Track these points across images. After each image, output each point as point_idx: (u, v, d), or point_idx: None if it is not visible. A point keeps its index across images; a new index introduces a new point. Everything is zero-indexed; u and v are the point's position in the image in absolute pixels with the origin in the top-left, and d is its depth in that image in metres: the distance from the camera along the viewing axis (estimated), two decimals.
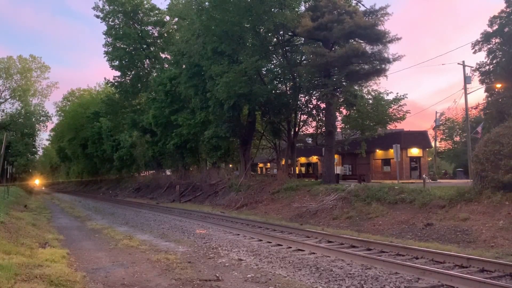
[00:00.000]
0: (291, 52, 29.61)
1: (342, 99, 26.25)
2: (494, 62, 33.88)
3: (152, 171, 56.71)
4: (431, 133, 47.01)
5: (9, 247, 9.47)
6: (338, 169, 32.78)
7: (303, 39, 27.40)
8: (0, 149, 21.36)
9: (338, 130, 29.79)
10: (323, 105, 27.87)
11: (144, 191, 47.76)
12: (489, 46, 33.70)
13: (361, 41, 23.61)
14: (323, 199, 19.86)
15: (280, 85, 30.68)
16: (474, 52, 34.48)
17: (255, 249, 11.28)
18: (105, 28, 48.46)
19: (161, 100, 38.62)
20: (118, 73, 47.69)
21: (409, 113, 28.45)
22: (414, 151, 37.30)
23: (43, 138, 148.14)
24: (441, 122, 54.00)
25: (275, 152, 34.88)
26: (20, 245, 10.41)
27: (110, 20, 46.39)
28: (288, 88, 30.01)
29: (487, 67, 34.43)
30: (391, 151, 27.51)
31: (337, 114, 28.64)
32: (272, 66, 30.97)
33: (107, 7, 45.77)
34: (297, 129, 30.29)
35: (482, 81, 34.73)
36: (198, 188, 35.78)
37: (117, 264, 9.50)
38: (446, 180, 32.83)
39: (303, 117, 31.10)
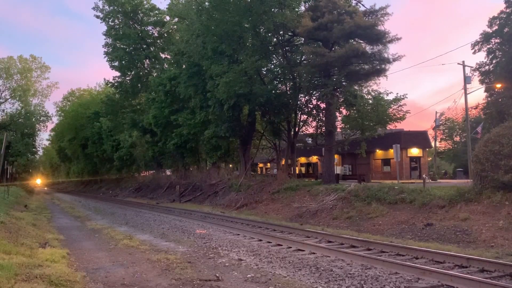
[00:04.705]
0: (291, 52, 29.61)
1: (342, 99, 26.26)
2: (494, 62, 33.84)
3: (152, 171, 56.70)
4: (431, 133, 47.06)
5: (9, 247, 9.47)
6: (338, 169, 32.77)
7: (303, 39, 27.39)
8: (0, 149, 21.37)
9: (338, 130, 29.78)
10: (323, 105, 27.88)
11: (144, 191, 47.74)
12: (488, 46, 33.66)
13: (361, 41, 23.61)
14: (323, 199, 19.86)
15: (280, 85, 30.68)
16: (474, 52, 34.47)
17: (255, 249, 11.28)
18: (105, 28, 48.53)
19: (161, 100, 38.64)
20: (118, 73, 47.71)
21: (409, 113, 28.43)
22: (414, 151, 37.29)
23: (43, 138, 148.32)
24: (441, 122, 54.00)
25: (275, 152, 34.87)
26: (20, 245, 10.41)
27: (110, 20, 46.35)
28: (288, 88, 30.00)
29: (487, 67, 34.39)
30: (391, 151, 27.50)
31: (337, 114, 28.67)
32: (272, 66, 30.98)
33: (106, 7, 45.72)
34: (297, 129, 30.28)
35: (482, 81, 34.69)
36: (198, 188, 35.76)
37: (117, 264, 9.51)
38: (446, 180, 32.83)
39: (303, 117, 31.12)
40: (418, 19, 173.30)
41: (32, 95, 65.03)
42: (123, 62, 46.37)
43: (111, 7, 45.72)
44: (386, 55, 22.56)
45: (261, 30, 28.34)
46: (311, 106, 29.98)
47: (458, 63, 30.98)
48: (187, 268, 8.87)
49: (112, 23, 46.71)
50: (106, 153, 63.17)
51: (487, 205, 13.24)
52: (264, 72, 30.25)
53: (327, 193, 20.45)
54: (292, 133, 29.93)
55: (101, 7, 45.66)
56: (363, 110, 27.60)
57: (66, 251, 10.68)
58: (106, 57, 46.91)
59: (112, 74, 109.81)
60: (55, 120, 79.16)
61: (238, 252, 10.88)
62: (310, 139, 32.90)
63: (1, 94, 62.96)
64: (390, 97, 27.91)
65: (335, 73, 23.86)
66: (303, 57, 28.74)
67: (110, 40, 46.97)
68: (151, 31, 47.98)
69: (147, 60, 48.70)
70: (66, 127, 76.08)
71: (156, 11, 46.86)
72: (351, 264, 9.19)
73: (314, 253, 10.73)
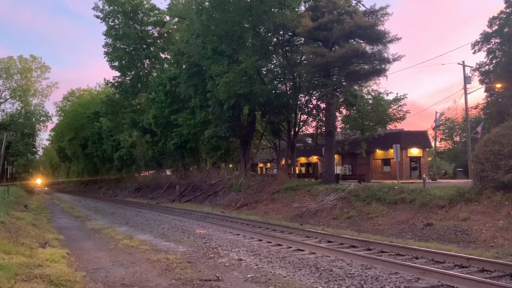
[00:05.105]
0: (291, 52, 29.61)
1: (342, 99, 26.24)
2: (494, 62, 33.82)
3: (152, 171, 56.72)
4: (431, 133, 47.05)
5: (9, 247, 9.47)
6: (338, 169, 32.75)
7: (303, 39, 27.40)
8: (0, 149, 21.39)
9: (338, 130, 29.79)
10: (323, 105, 27.88)
11: (144, 191, 47.75)
12: (488, 46, 33.63)
13: (361, 41, 23.60)
14: (323, 199, 19.86)
15: (280, 85, 30.69)
16: (474, 52, 34.45)
17: (255, 249, 11.28)
18: (105, 28, 48.54)
19: (161, 100, 38.65)
20: (118, 73, 47.78)
21: (409, 113, 28.46)
22: (414, 151, 37.29)
23: (43, 138, 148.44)
24: (441, 122, 53.99)
25: (275, 152, 34.88)
26: (20, 245, 10.41)
27: (110, 20, 46.37)
28: (288, 88, 30.01)
29: (487, 67, 34.36)
30: (391, 151, 27.48)
31: (337, 114, 28.67)
32: (272, 66, 31.01)
33: (106, 7, 45.76)
34: (297, 129, 30.29)
35: (482, 81, 34.66)
36: (198, 188, 35.77)
37: (117, 264, 9.51)
38: (446, 180, 32.82)
39: (303, 117, 31.16)
40: (418, 19, 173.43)
41: (32, 95, 65.06)
42: (123, 62, 46.40)
43: (111, 7, 45.74)
44: (386, 55, 22.57)
45: (261, 30, 28.35)
46: (311, 106, 30.02)
47: (458, 63, 30.99)
48: (187, 268, 8.87)
49: (112, 23, 46.74)
50: (106, 153, 63.18)
51: (487, 205, 13.24)
52: (264, 72, 30.25)
53: (327, 193, 20.45)
54: (292, 133, 29.93)
55: (101, 7, 45.73)
56: (363, 110, 27.60)
57: (66, 251, 10.68)
58: (106, 57, 46.99)
59: (112, 74, 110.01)
60: (55, 120, 79.33)
61: (238, 252, 10.88)
62: (310, 139, 32.91)
63: (1, 94, 63.02)
64: (390, 97, 27.96)
65: (335, 73, 23.86)
66: (303, 57, 28.75)
67: (110, 40, 47.01)
68: (151, 31, 48.02)
69: (147, 60, 48.72)
70: (66, 127, 76.10)
71: (156, 11, 46.89)
72: (351, 264, 9.20)
73: (314, 253, 10.73)
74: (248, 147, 33.16)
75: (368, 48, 22.80)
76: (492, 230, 11.79)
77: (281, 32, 28.10)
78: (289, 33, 28.02)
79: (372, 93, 27.97)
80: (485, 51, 33.97)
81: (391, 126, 29.96)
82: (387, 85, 73.02)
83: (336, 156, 31.14)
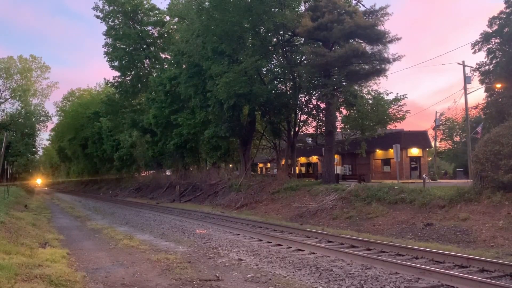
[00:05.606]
0: (291, 52, 29.62)
1: (342, 99, 26.25)
2: (494, 62, 33.84)
3: (152, 171, 56.72)
4: (431, 133, 47.02)
5: (9, 247, 9.47)
6: (338, 169, 32.76)
7: (303, 39, 27.42)
8: (0, 149, 21.38)
9: (338, 130, 29.79)
10: (323, 105, 27.90)
11: (144, 191, 47.75)
12: (488, 46, 33.66)
13: (361, 41, 23.63)
14: (323, 199, 19.86)
15: (280, 85, 30.70)
16: (474, 52, 34.46)
17: (255, 249, 11.28)
18: (105, 28, 48.55)
19: (161, 100, 38.67)
20: (118, 73, 47.76)
21: (409, 113, 28.46)
22: (414, 151, 37.31)
23: (43, 138, 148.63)
24: (441, 122, 53.96)
25: (275, 152, 34.88)
26: (20, 245, 10.41)
27: (110, 20, 46.37)
28: (288, 88, 30.02)
29: (487, 67, 34.38)
30: (391, 151, 27.49)
31: (337, 114, 28.68)
32: (272, 66, 31.02)
33: (106, 7, 45.76)
34: (297, 129, 30.29)
35: (482, 81, 34.67)
36: (198, 188, 35.77)
37: (117, 264, 9.51)
38: (446, 180, 32.82)
39: (303, 117, 31.16)
40: (418, 19, 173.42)
41: (32, 95, 65.09)
42: (123, 62, 46.39)
43: (111, 7, 45.74)
44: (386, 55, 22.59)
45: (261, 30, 28.36)
46: (311, 106, 30.03)
47: (458, 63, 31.01)
48: (187, 268, 8.87)
49: (112, 23, 46.74)
50: (106, 153, 63.19)
51: (487, 205, 13.24)
52: (264, 72, 30.26)
53: (327, 193, 20.45)
54: (292, 133, 29.93)
55: (101, 7, 45.74)
56: (363, 110, 27.59)
57: (66, 251, 10.69)
58: (106, 57, 46.99)
59: (112, 74, 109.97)
60: (55, 120, 79.39)
61: (238, 252, 10.89)
62: (310, 139, 32.92)
63: (1, 94, 63.05)
64: (390, 97, 27.96)
65: (335, 73, 23.86)
66: (303, 57, 28.76)
67: (110, 40, 47.00)
68: (151, 31, 48.01)
69: (147, 60, 48.73)
70: (66, 127, 76.16)
71: (156, 11, 46.88)
72: (351, 264, 9.20)
73: (314, 253, 10.73)
74: (248, 147, 33.16)
75: (368, 48, 22.82)
76: (492, 230, 11.80)
77: (281, 32, 28.11)
78: (289, 33, 28.03)
79: (372, 93, 27.98)
80: (485, 51, 33.99)
81: (391, 126, 29.96)
82: (387, 85, 73.30)
83: (336, 156, 31.16)
